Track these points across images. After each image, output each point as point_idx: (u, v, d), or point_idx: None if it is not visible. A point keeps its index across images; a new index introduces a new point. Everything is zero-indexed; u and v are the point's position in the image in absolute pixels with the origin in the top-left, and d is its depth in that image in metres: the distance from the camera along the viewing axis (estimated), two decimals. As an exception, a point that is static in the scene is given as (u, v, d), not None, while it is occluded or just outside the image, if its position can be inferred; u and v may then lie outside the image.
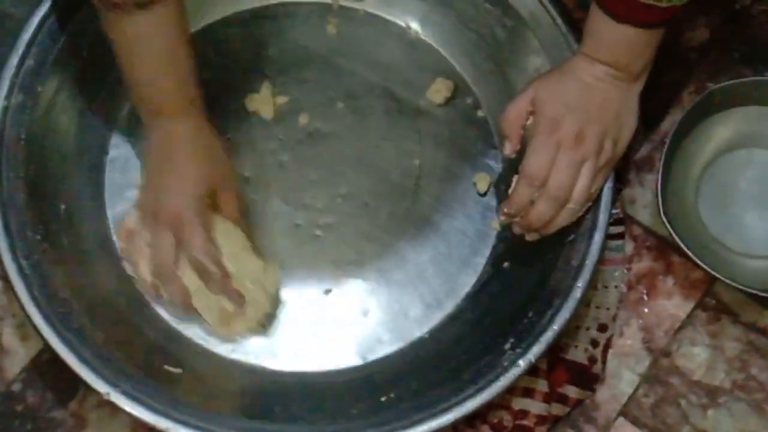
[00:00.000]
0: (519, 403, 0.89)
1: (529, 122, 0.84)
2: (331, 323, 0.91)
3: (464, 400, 0.81)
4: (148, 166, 0.87)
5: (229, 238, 0.87)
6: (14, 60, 0.86)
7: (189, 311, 0.86)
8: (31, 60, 0.86)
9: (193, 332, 0.89)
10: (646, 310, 0.93)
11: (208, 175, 0.85)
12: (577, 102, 0.82)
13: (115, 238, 0.90)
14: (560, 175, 0.82)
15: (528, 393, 0.89)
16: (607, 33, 0.81)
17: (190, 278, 0.85)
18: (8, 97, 0.85)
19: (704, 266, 0.88)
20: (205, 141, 0.86)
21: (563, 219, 0.84)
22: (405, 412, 0.82)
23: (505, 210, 0.86)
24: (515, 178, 0.85)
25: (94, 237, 0.90)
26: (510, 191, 0.85)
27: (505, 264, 0.92)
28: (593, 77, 0.82)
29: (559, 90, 0.83)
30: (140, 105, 0.86)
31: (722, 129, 0.95)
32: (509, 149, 0.86)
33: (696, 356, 0.92)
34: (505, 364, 0.82)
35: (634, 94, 0.84)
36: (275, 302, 0.89)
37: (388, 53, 0.98)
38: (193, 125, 0.86)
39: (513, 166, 0.86)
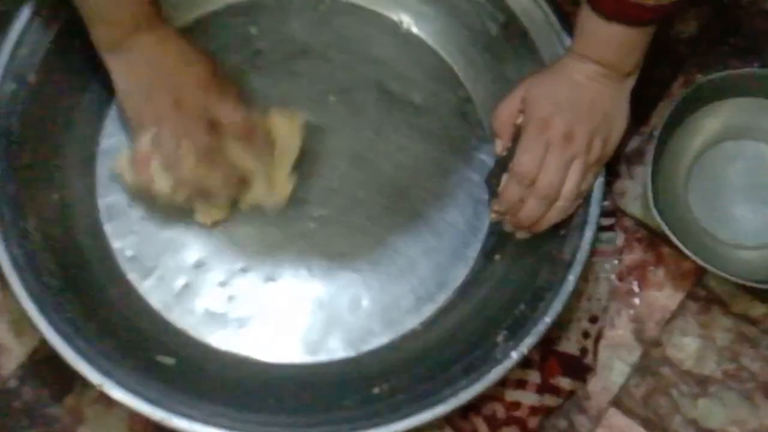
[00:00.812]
0: (512, 395, 0.90)
1: (519, 121, 0.85)
2: (323, 315, 0.91)
3: (457, 391, 0.81)
4: (132, 86, 0.85)
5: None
6: (7, 49, 0.85)
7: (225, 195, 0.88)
8: (23, 49, 0.86)
9: (186, 323, 0.89)
10: (637, 301, 0.93)
11: (208, 64, 0.86)
12: (567, 101, 0.82)
13: (120, 173, 0.89)
14: (549, 175, 0.82)
15: (521, 385, 0.90)
16: (597, 31, 0.81)
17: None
18: (0, 86, 0.85)
19: (694, 257, 0.88)
20: (186, 43, 0.86)
21: (553, 217, 0.85)
22: (397, 404, 0.82)
23: (495, 208, 0.87)
24: (505, 176, 0.85)
25: (86, 226, 0.90)
26: (500, 190, 0.86)
27: (497, 257, 0.92)
28: (583, 76, 0.83)
29: (549, 89, 0.83)
30: (100, 30, 0.84)
31: (712, 121, 0.95)
32: (500, 148, 0.86)
33: (687, 346, 0.92)
34: (498, 356, 0.83)
35: (625, 92, 0.85)
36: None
37: (380, 47, 0.98)
38: (164, 34, 0.85)
39: (504, 163, 0.87)
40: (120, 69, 0.85)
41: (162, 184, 0.85)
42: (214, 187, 0.86)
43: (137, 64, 0.84)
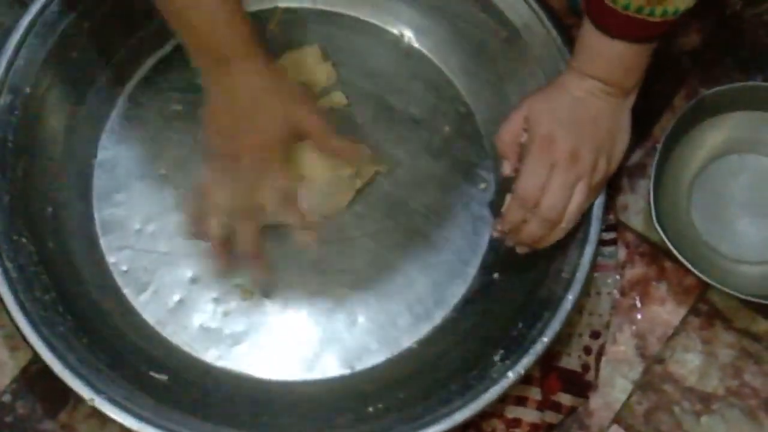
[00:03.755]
0: (512, 412, 0.89)
1: (524, 139, 0.84)
2: (318, 332, 0.90)
3: (452, 411, 0.81)
4: (216, 115, 0.83)
5: (315, 168, 0.89)
6: (3, 61, 0.85)
7: (254, 258, 0.87)
8: (20, 61, 0.86)
9: (180, 339, 0.89)
10: (639, 316, 0.92)
11: (289, 111, 0.83)
12: (570, 118, 0.82)
13: (184, 211, 0.89)
14: (553, 197, 0.81)
15: (521, 401, 0.89)
16: (600, 48, 0.80)
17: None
18: (-4, 97, 0.86)
19: (697, 272, 0.87)
20: (277, 79, 0.83)
21: (555, 236, 0.84)
22: (392, 423, 0.82)
23: (498, 228, 0.86)
24: (508, 196, 0.84)
25: (81, 240, 0.90)
26: (503, 210, 0.85)
27: (495, 275, 0.91)
28: (585, 92, 0.82)
29: (552, 106, 0.82)
30: (199, 55, 0.81)
31: (714, 134, 0.94)
32: (508, 169, 0.85)
33: (689, 363, 0.91)
34: (495, 375, 0.82)
35: (626, 109, 0.84)
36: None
37: (382, 62, 0.98)
38: (261, 66, 0.82)
39: (506, 181, 0.86)
40: (213, 92, 0.82)
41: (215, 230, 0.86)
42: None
43: (232, 91, 0.81)
